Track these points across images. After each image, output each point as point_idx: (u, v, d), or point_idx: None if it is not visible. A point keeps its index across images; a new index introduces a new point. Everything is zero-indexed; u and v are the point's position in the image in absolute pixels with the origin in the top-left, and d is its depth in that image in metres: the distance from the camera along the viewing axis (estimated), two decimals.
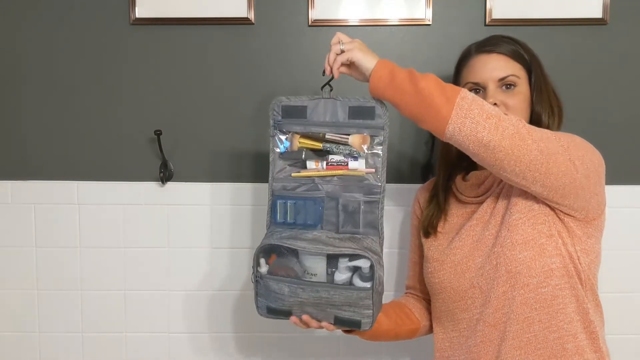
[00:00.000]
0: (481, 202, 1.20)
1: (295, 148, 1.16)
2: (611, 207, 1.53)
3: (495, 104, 1.14)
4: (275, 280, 1.10)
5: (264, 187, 1.55)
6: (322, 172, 1.15)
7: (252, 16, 1.50)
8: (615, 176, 1.51)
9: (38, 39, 1.54)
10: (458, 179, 1.25)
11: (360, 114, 1.12)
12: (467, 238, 1.17)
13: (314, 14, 1.50)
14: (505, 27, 1.49)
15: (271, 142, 1.17)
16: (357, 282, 1.09)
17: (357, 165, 1.14)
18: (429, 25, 1.50)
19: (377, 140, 1.13)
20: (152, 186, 1.57)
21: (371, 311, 1.10)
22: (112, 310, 1.60)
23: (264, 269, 1.12)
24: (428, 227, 1.26)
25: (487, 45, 1.19)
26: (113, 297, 1.60)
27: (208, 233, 1.58)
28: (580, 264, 1.10)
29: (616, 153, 1.52)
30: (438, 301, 1.22)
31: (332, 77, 1.13)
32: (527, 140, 1.00)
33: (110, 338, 1.61)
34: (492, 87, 1.15)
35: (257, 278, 1.13)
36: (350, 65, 1.11)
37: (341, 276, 1.10)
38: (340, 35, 1.11)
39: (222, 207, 1.57)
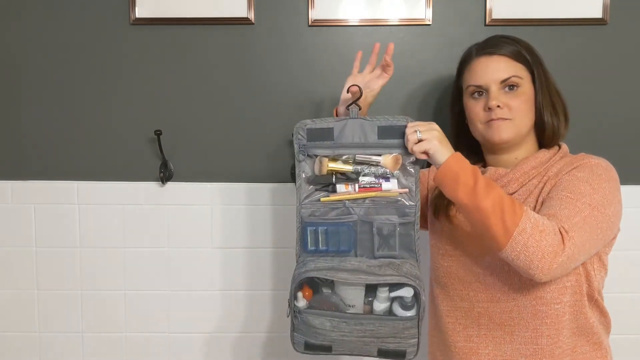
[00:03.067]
0: None
1: (324, 172, 1.10)
2: None
3: (498, 106, 1.13)
4: (315, 315, 1.05)
5: (264, 187, 1.55)
6: (354, 195, 1.10)
7: (252, 16, 1.50)
8: None
9: (38, 39, 1.54)
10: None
11: (390, 133, 1.08)
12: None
13: (314, 14, 1.50)
14: (505, 27, 1.49)
15: (297, 167, 1.12)
16: (398, 310, 1.05)
17: (390, 186, 1.10)
18: (429, 25, 1.50)
19: (409, 159, 1.10)
20: (152, 186, 1.57)
21: (416, 339, 1.06)
22: (112, 310, 1.60)
23: (301, 303, 1.07)
24: (439, 207, 1.21)
25: (487, 47, 1.18)
26: (113, 297, 1.60)
27: (208, 233, 1.58)
28: (593, 281, 1.11)
29: (616, 153, 1.51)
30: (442, 279, 1.21)
31: (360, 96, 1.12)
32: (571, 263, 1.01)
33: (110, 338, 1.61)
34: (494, 89, 1.15)
35: (295, 313, 1.07)
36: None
37: (380, 305, 1.06)
38: (417, 125, 1.07)
39: (222, 207, 1.57)
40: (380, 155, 1.09)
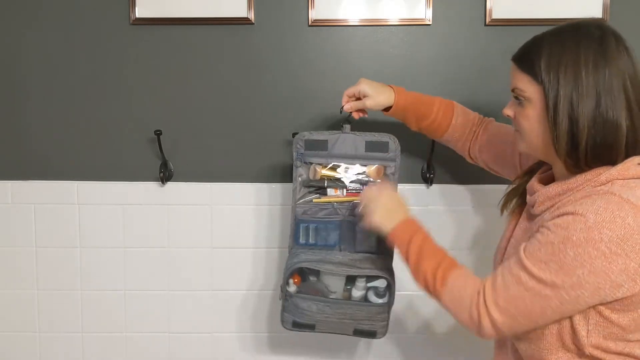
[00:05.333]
0: (529, 218, 1.06)
1: (318, 177, 1.28)
2: None
3: (508, 115, 1.03)
4: (303, 299, 1.23)
5: (264, 187, 1.55)
6: (341, 198, 1.28)
7: (252, 16, 1.50)
8: None
9: (38, 39, 1.54)
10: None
11: (375, 147, 1.27)
12: (504, 241, 1.11)
13: (314, 14, 1.50)
14: (505, 27, 1.49)
15: (294, 171, 1.29)
16: (372, 297, 1.24)
17: None
18: (429, 25, 1.50)
19: (389, 170, 1.29)
20: (152, 186, 1.57)
21: (386, 322, 1.26)
22: (112, 310, 1.60)
23: (292, 288, 1.24)
24: (505, 199, 1.14)
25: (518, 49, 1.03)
26: (113, 297, 1.60)
27: (208, 233, 1.58)
28: (581, 337, 0.93)
29: None
30: None
31: (350, 114, 1.26)
32: (510, 332, 0.97)
33: (110, 338, 1.61)
34: (512, 96, 1.02)
35: (287, 296, 1.24)
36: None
37: (357, 293, 1.24)
38: (364, 197, 1.17)
39: (222, 207, 1.57)
40: (366, 165, 1.28)
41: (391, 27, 1.51)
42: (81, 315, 1.61)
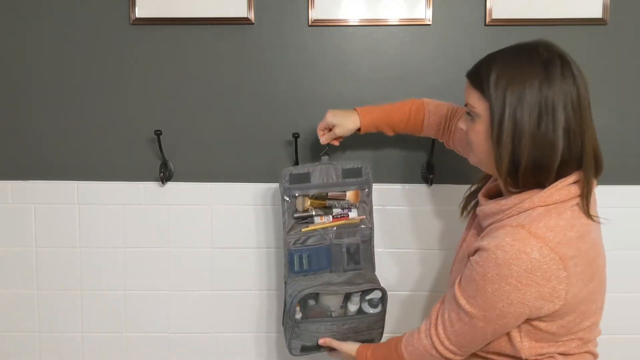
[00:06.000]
0: (472, 227, 1.16)
1: (305, 208, 1.38)
2: (611, 207, 1.53)
3: (462, 129, 1.05)
4: (312, 323, 1.31)
5: (263, 187, 1.55)
6: (328, 224, 1.38)
7: (252, 16, 1.50)
8: (616, 176, 1.51)
9: (38, 40, 1.54)
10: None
11: (351, 174, 1.39)
12: (459, 244, 1.19)
13: (314, 14, 1.50)
14: (505, 27, 1.49)
15: (282, 205, 1.38)
16: (367, 308, 1.33)
17: (354, 215, 1.39)
18: (429, 25, 1.50)
19: (365, 193, 1.41)
20: (152, 186, 1.57)
21: (382, 329, 1.35)
22: (112, 310, 1.60)
23: (299, 315, 1.32)
24: (465, 202, 1.22)
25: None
26: (113, 297, 1.60)
27: (208, 233, 1.58)
28: (519, 347, 1.01)
29: (616, 153, 1.52)
30: None
31: (328, 146, 1.37)
32: (468, 352, 1.06)
33: (110, 338, 1.61)
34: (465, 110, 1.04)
35: (296, 323, 1.30)
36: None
37: (353, 307, 1.33)
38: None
39: (222, 207, 1.57)
40: (345, 191, 1.39)
41: (391, 27, 1.51)
42: (81, 315, 1.61)
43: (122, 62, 1.54)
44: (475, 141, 1.01)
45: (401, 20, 1.50)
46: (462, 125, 1.05)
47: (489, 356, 1.07)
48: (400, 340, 1.14)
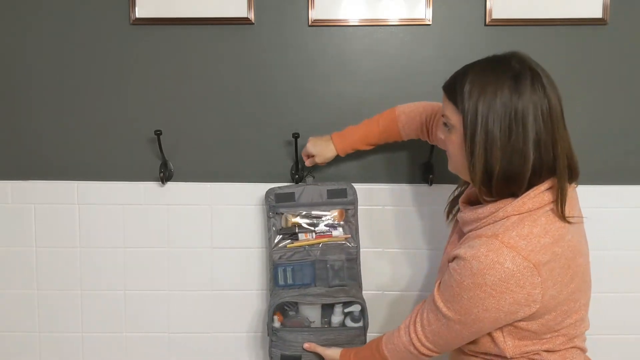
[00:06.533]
0: (455, 231, 1.17)
1: (289, 225, 1.44)
2: (611, 207, 1.54)
3: (440, 138, 1.08)
4: (289, 332, 1.36)
5: (263, 187, 1.54)
6: (312, 241, 1.44)
7: (252, 16, 1.50)
8: (615, 176, 1.51)
9: (38, 39, 1.54)
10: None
11: (336, 194, 1.45)
12: (445, 246, 1.22)
13: (314, 14, 1.50)
14: (505, 27, 1.49)
15: (268, 222, 1.45)
16: (349, 323, 1.38)
17: (338, 233, 1.45)
18: (429, 25, 1.50)
19: (350, 212, 1.46)
20: (152, 186, 1.57)
21: (364, 344, 1.34)
22: (112, 310, 1.60)
23: (277, 324, 1.38)
24: (449, 206, 1.23)
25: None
26: (113, 297, 1.60)
27: (208, 233, 1.58)
28: (503, 347, 1.04)
29: (616, 153, 1.52)
30: None
31: (312, 168, 1.44)
32: (445, 351, 1.11)
33: (110, 338, 1.61)
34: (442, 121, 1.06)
35: (274, 332, 1.36)
36: None
37: (336, 319, 1.39)
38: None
39: (222, 207, 1.57)
40: (329, 211, 1.45)
41: (391, 27, 1.51)
42: (81, 315, 1.61)
43: (122, 62, 1.54)
44: (452, 151, 1.04)
45: (401, 20, 1.50)
46: (440, 135, 1.09)
47: (478, 356, 1.10)
48: (381, 340, 1.18)
